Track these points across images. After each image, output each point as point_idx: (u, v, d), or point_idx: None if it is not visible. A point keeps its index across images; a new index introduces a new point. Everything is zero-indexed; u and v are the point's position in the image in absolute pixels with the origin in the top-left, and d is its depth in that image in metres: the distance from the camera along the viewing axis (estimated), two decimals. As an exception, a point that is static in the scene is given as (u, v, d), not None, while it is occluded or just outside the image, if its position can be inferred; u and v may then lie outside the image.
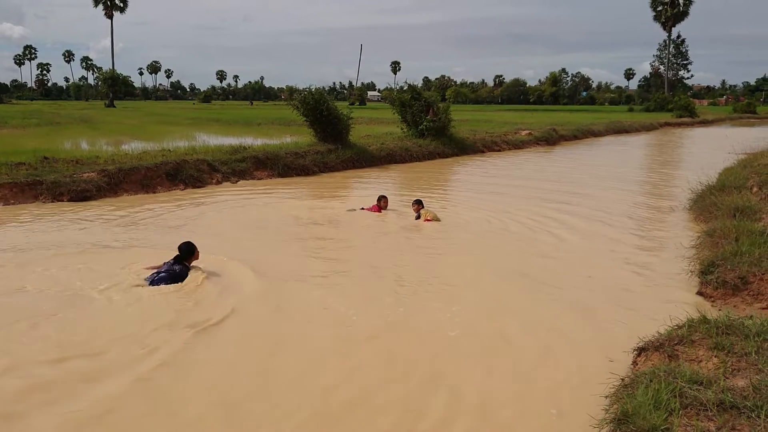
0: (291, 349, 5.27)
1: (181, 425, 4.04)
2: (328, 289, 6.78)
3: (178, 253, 6.91)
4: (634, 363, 4.68)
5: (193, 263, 7.01)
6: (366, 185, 15.69)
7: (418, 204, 10.86)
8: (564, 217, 11.03)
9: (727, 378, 3.89)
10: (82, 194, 12.41)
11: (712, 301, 6.33)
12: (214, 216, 11.06)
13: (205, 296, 6.40)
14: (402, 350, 5.23)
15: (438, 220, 10.52)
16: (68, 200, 12.11)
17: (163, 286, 6.50)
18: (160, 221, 10.45)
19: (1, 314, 5.79)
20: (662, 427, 3.41)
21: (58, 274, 7.05)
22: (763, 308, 5.97)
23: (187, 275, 6.77)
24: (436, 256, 8.37)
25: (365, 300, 6.43)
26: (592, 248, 8.86)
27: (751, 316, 4.89)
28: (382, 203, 11.29)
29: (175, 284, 6.57)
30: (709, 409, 3.51)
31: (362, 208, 11.35)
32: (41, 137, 23.43)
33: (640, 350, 4.71)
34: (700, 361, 4.25)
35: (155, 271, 6.80)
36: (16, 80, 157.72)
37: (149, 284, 6.57)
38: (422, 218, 10.48)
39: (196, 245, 7.09)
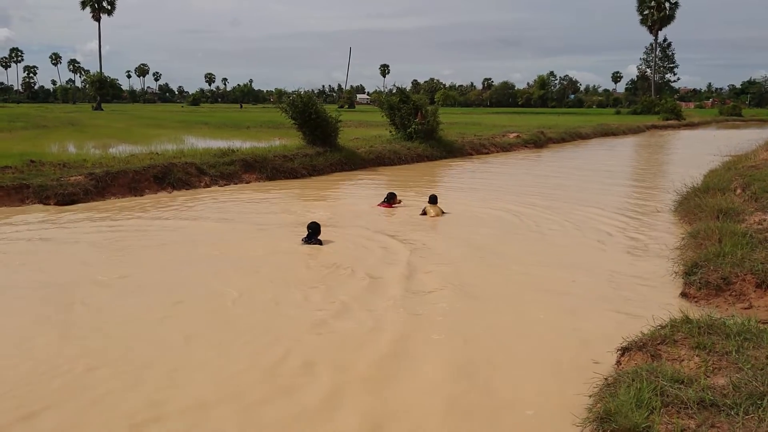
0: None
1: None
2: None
3: (308, 231, 8.84)
4: (618, 363, 4.74)
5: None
6: (356, 187, 15.76)
7: (429, 200, 11.41)
8: (548, 218, 11.11)
9: (708, 377, 3.95)
10: (69, 198, 12.34)
11: (696, 302, 6.41)
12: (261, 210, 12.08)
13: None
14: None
15: (440, 215, 11.09)
16: (55, 204, 12.06)
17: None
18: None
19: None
20: (643, 425, 3.46)
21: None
22: (745, 308, 6.06)
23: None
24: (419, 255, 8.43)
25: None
26: (576, 249, 8.94)
27: (733, 316, 4.96)
28: (394, 201, 12.01)
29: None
30: (690, 407, 3.57)
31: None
32: (28, 140, 23.23)
33: (624, 350, 4.77)
34: (682, 360, 4.32)
35: (303, 239, 8.84)
36: (2, 83, 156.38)
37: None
38: (428, 215, 11.10)
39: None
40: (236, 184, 15.60)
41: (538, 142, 29.74)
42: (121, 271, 7.67)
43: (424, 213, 11.19)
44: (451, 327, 5.84)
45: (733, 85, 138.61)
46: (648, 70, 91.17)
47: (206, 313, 6.23)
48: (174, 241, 9.39)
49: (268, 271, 7.77)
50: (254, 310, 6.31)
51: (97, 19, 76.86)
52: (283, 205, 12.96)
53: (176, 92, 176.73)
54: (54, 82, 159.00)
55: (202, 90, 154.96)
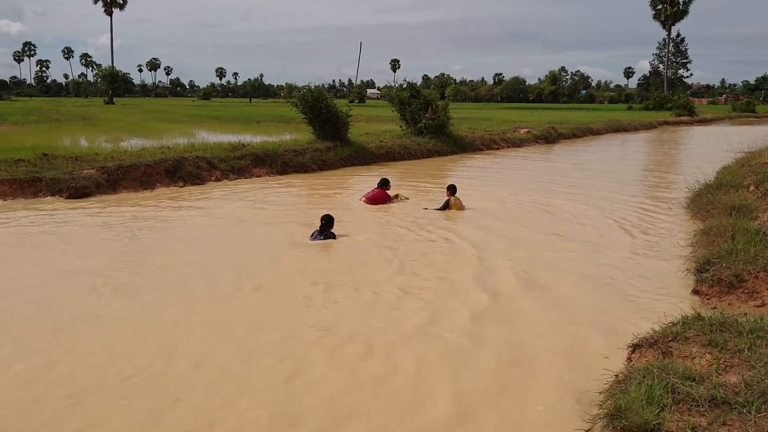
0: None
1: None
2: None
3: (322, 223, 8.85)
4: (629, 359, 4.72)
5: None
6: (366, 182, 15.74)
7: (449, 190, 11.33)
8: (559, 215, 11.07)
9: (720, 374, 3.93)
10: (81, 191, 12.44)
11: (708, 299, 6.36)
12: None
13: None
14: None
15: (463, 209, 11.08)
16: (67, 197, 12.15)
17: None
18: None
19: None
20: (654, 422, 3.45)
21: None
22: (758, 306, 6.01)
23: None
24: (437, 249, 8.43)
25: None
26: (589, 246, 8.89)
27: (745, 314, 4.92)
28: (387, 187, 11.93)
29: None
30: (701, 404, 3.55)
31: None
32: (40, 134, 23.42)
33: (635, 347, 4.74)
34: (694, 357, 4.29)
35: (315, 233, 8.86)
36: (15, 77, 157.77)
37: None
38: (452, 208, 11.00)
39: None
40: (247, 178, 15.66)
41: (549, 137, 29.60)
42: (153, 262, 7.83)
43: (445, 206, 11.06)
44: (467, 325, 5.84)
45: (747, 81, 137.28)
46: (660, 65, 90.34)
47: (260, 310, 6.26)
48: (199, 235, 9.51)
49: (297, 266, 7.86)
50: (309, 306, 6.34)
51: (109, 13, 77.25)
52: (294, 200, 12.99)
53: (187, 86, 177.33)
54: (66, 76, 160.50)
55: (213, 84, 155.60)
